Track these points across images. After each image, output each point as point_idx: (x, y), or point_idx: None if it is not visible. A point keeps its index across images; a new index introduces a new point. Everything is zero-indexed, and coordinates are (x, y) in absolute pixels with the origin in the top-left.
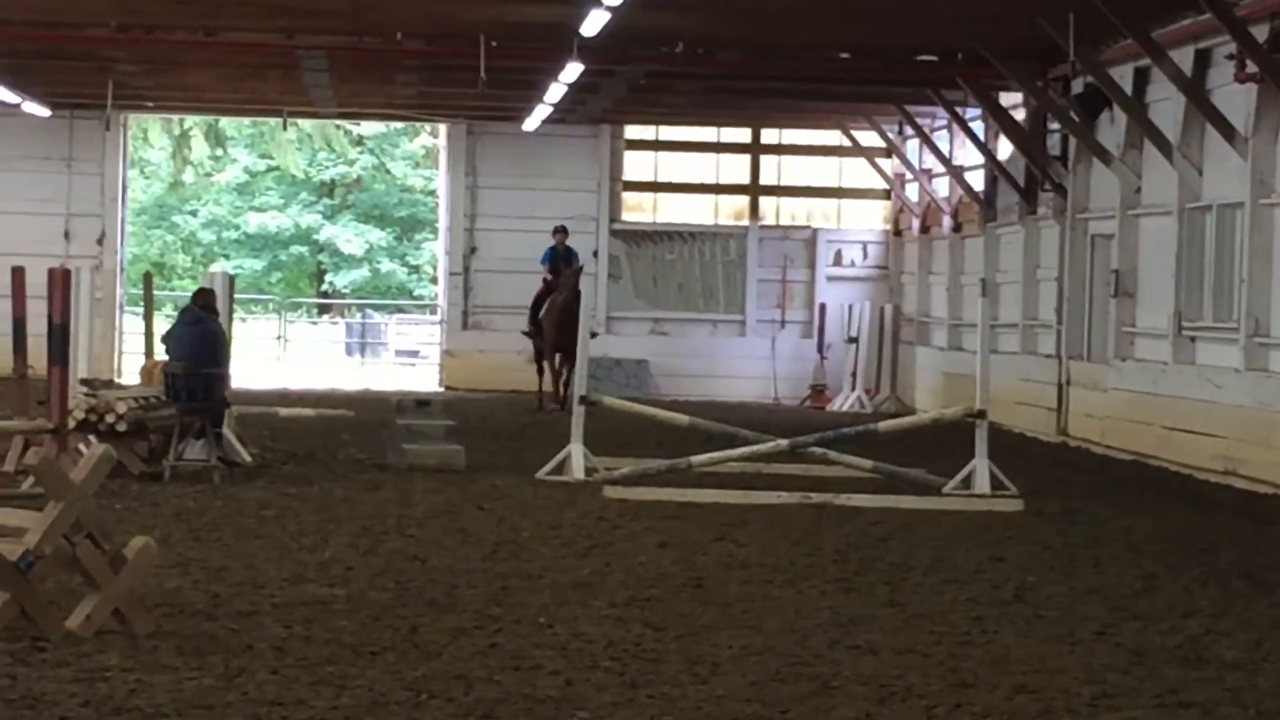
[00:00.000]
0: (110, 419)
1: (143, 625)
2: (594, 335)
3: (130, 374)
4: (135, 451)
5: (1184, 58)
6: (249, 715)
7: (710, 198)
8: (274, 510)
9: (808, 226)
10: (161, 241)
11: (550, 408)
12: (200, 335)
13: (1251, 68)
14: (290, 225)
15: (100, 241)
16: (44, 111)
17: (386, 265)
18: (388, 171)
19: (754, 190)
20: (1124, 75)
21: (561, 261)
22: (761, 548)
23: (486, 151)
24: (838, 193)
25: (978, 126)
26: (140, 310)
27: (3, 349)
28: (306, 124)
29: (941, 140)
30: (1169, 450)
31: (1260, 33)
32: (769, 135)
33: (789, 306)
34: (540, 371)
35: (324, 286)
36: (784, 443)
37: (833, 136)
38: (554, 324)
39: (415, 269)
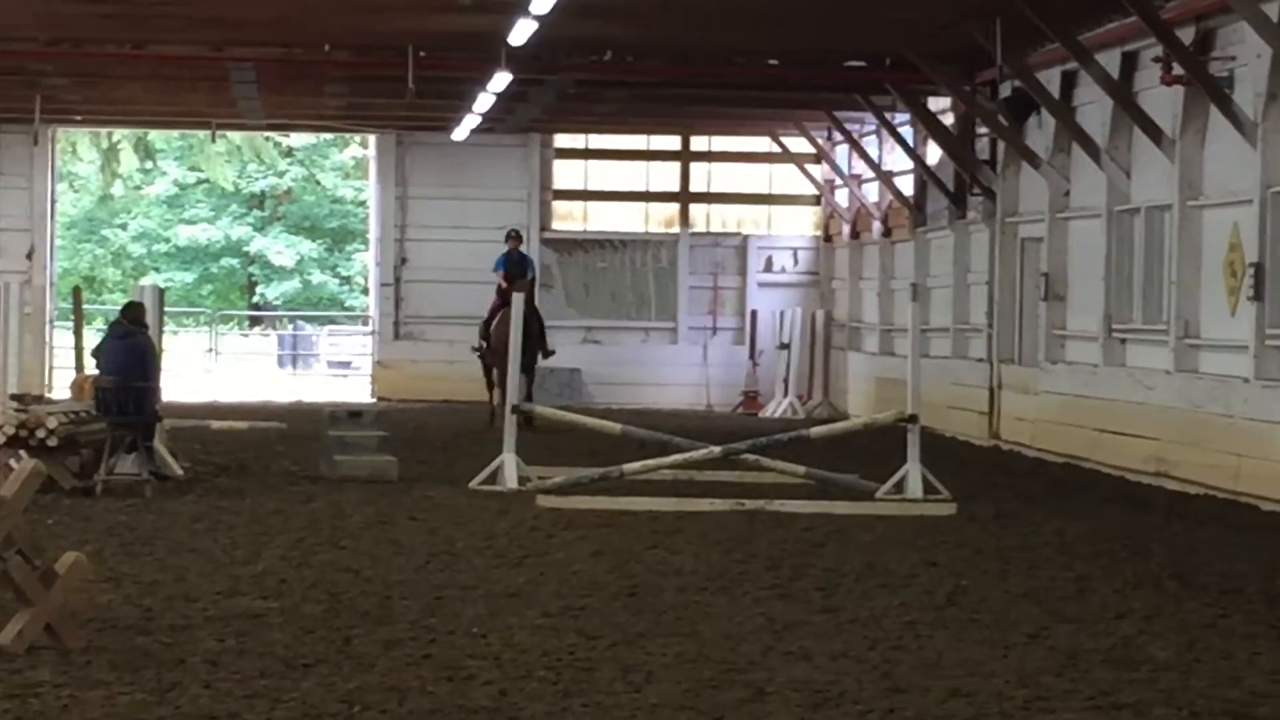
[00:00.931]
0: (41, 434)
1: (75, 640)
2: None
3: (61, 389)
4: (66, 466)
5: (1111, 61)
6: None
7: (640, 205)
8: (206, 523)
9: (738, 233)
10: (91, 255)
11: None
12: (130, 349)
13: (1178, 70)
14: (220, 237)
15: (29, 256)
16: None
17: (317, 277)
18: (318, 183)
19: (684, 197)
20: (1051, 79)
21: (515, 268)
22: (695, 555)
23: (416, 162)
24: (768, 199)
25: (906, 131)
26: (70, 325)
27: None
28: (235, 136)
29: (870, 145)
30: (1100, 452)
31: (1186, 35)
32: (698, 142)
33: (720, 313)
34: (490, 387)
35: (255, 298)
36: (717, 449)
37: (762, 143)
38: (507, 339)
39: (346, 280)
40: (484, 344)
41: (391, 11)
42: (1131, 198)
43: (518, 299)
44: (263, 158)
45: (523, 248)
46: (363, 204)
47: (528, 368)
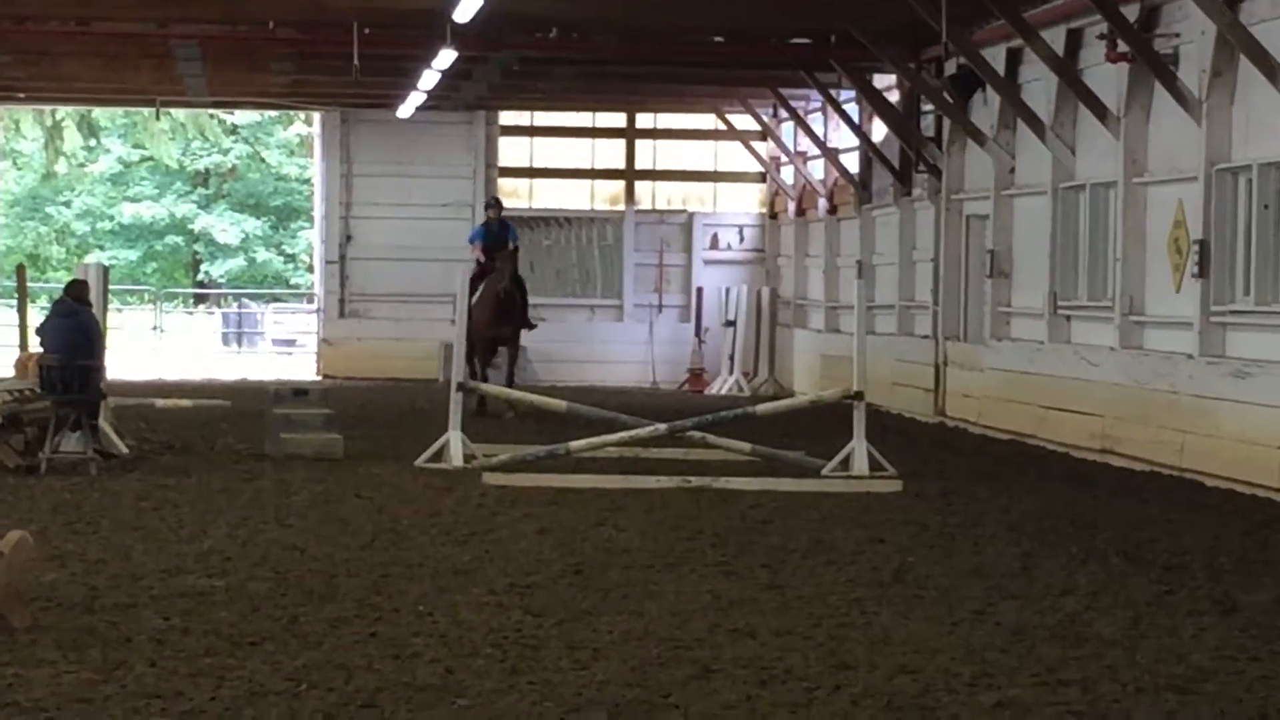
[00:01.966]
0: None
1: (20, 619)
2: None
3: (4, 367)
4: (11, 445)
5: (1056, 38)
6: (128, 708)
7: (586, 183)
8: (152, 502)
9: (684, 210)
10: (35, 233)
11: (489, 411)
12: (74, 327)
13: (1123, 47)
14: (165, 215)
15: None
16: None
17: (262, 254)
18: (262, 160)
19: (630, 175)
20: (996, 56)
21: (494, 239)
22: (641, 532)
23: (361, 139)
24: (713, 176)
25: (852, 109)
26: (14, 303)
27: None
28: (180, 113)
29: (816, 123)
30: (1046, 429)
31: (1131, 12)
32: (644, 120)
33: (666, 290)
34: (471, 370)
35: (200, 276)
36: (662, 427)
37: (708, 120)
38: (490, 313)
39: (291, 258)
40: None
41: None
42: (1076, 175)
43: (464, 271)
44: (207, 135)
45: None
46: (307, 181)
47: (511, 343)
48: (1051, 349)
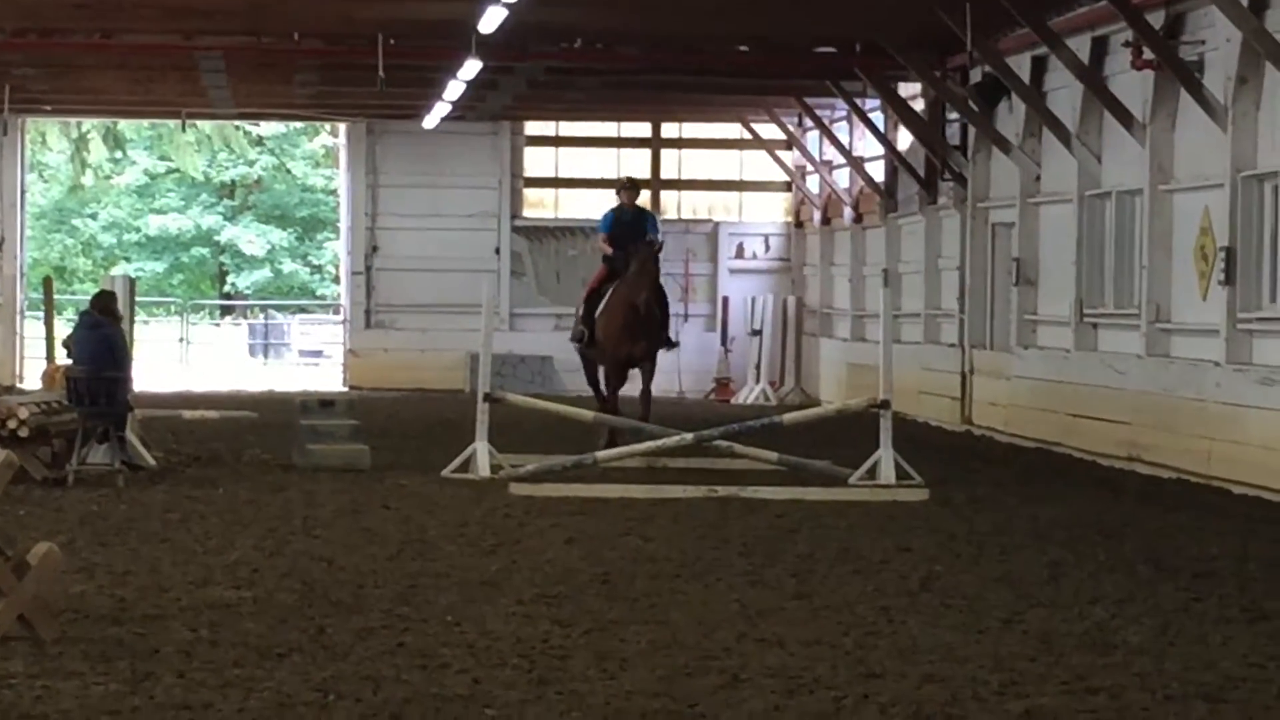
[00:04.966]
0: (12, 424)
1: (48, 631)
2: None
3: (32, 379)
4: (38, 457)
5: (1081, 46)
6: None
7: (612, 193)
8: (179, 513)
9: (709, 220)
10: (62, 245)
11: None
12: (101, 339)
13: (1148, 54)
14: (191, 227)
15: None
16: None
17: (288, 265)
18: (288, 171)
19: (655, 184)
20: (1022, 64)
21: (626, 229)
22: (668, 542)
23: (387, 150)
24: (739, 186)
25: (877, 117)
26: (41, 315)
27: None
28: (205, 125)
29: (841, 131)
30: (1073, 437)
31: (1156, 19)
32: (669, 129)
33: (692, 300)
34: (598, 395)
35: (226, 288)
36: (689, 436)
37: (733, 129)
38: (618, 329)
39: (317, 269)
40: (584, 332)
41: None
42: (1102, 182)
43: (487, 294)
44: (233, 147)
45: (641, 200)
46: (333, 193)
47: (645, 364)
48: (1078, 357)
